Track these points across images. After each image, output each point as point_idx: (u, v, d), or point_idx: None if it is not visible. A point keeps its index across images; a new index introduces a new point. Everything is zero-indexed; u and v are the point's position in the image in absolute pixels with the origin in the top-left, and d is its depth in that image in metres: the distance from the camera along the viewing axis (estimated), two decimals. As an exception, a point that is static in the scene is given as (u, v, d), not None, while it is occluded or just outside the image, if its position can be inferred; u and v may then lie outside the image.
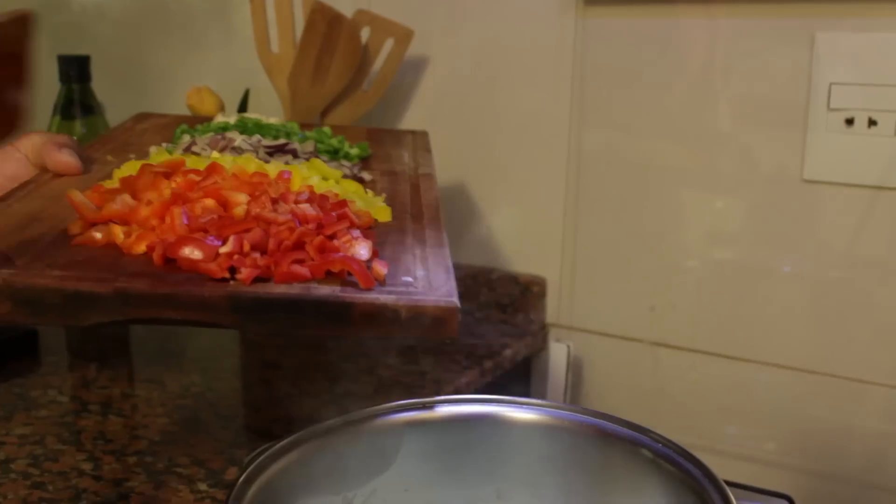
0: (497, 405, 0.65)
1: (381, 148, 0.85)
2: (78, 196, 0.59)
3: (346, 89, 1.07)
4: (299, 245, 0.54)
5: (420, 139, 0.92)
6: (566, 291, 1.07)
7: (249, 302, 0.50)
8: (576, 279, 1.06)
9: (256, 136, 0.75)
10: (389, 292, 0.51)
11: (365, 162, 0.80)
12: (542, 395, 1.07)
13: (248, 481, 0.55)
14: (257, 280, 0.51)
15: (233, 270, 0.52)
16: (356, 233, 0.57)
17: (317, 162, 0.70)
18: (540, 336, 1.08)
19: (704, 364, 1.01)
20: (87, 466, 0.75)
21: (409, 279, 0.54)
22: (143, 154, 0.74)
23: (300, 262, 0.53)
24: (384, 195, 0.69)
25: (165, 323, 0.50)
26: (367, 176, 0.74)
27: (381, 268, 0.53)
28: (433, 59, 1.11)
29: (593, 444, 0.62)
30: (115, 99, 1.18)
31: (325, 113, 1.08)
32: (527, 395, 1.09)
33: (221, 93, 1.12)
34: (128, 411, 0.86)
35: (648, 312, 1.02)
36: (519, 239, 1.09)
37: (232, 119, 0.82)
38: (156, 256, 0.53)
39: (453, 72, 1.10)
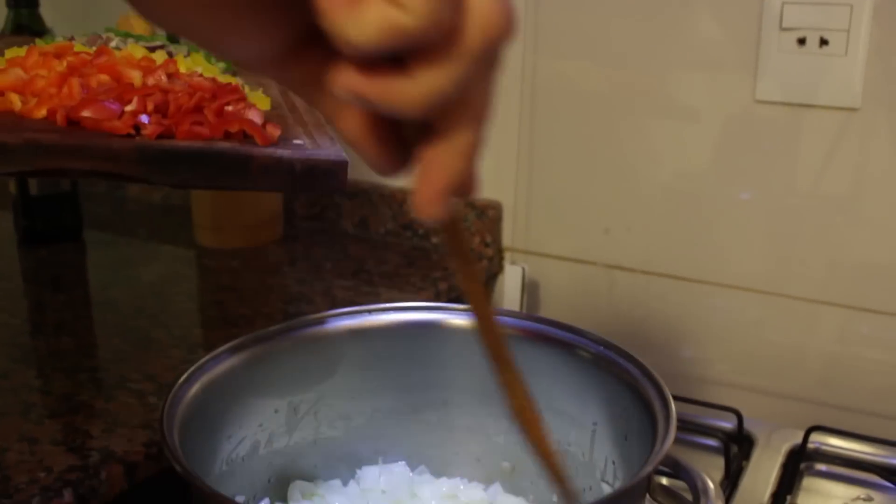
0: (438, 312, 0.65)
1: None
2: None
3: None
4: (198, 109, 0.57)
5: None
6: (521, 215, 1.07)
7: (156, 153, 0.53)
8: (531, 203, 1.06)
9: (131, 40, 0.77)
10: (284, 148, 0.56)
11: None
12: (498, 319, 1.08)
13: (189, 381, 0.55)
14: (160, 137, 0.54)
15: (136, 130, 0.54)
16: (248, 102, 0.61)
17: (197, 56, 0.72)
18: (496, 259, 1.08)
19: (659, 286, 1.02)
20: (37, 383, 0.75)
21: (300, 141, 0.58)
22: None
23: (199, 123, 0.56)
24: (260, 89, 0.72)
25: (72, 175, 0.52)
26: (239, 79, 0.76)
27: (274, 129, 0.57)
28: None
29: (535, 347, 0.63)
30: (63, 24, 1.16)
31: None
32: (483, 318, 1.10)
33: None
34: (81, 332, 0.86)
35: (603, 235, 1.03)
36: (475, 164, 1.09)
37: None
38: (59, 118, 0.54)
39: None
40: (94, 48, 0.73)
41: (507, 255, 1.09)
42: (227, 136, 0.57)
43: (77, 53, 0.65)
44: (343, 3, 0.28)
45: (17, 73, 0.60)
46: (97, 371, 0.78)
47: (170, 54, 0.75)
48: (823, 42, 0.89)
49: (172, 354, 0.80)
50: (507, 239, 1.08)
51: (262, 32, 0.32)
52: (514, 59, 1.03)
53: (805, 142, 0.91)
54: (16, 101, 0.57)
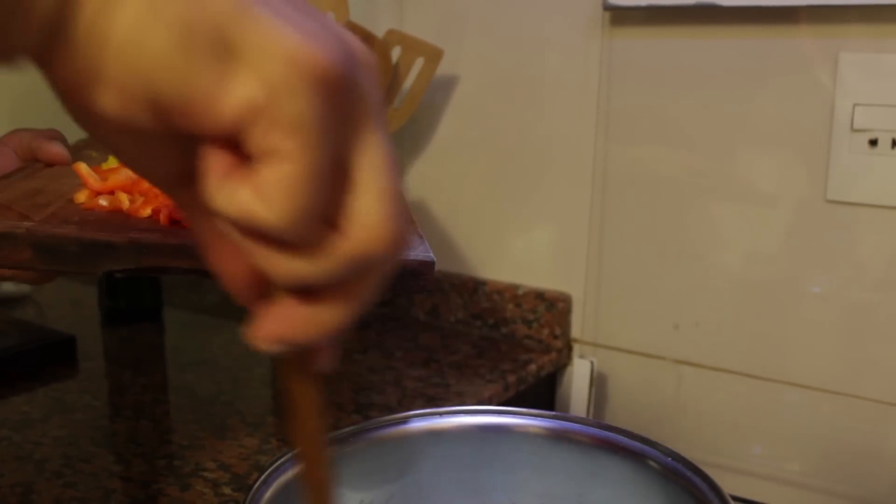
0: (510, 416, 0.66)
1: None
2: (84, 168, 0.64)
3: (378, 107, 1.09)
4: None
5: None
6: (591, 308, 1.08)
7: None
8: (601, 296, 1.07)
9: None
10: None
11: None
12: (565, 411, 1.08)
13: (267, 483, 0.57)
14: None
15: None
16: None
17: None
18: (564, 352, 1.09)
19: (728, 383, 1.01)
20: (117, 468, 0.78)
21: None
22: None
23: None
24: None
25: (173, 272, 0.55)
26: None
27: None
28: (462, 78, 1.13)
29: (604, 455, 0.63)
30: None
31: (356, 130, 1.10)
32: (551, 410, 1.10)
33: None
34: (159, 416, 0.89)
35: (672, 330, 1.03)
36: (545, 255, 1.11)
37: None
38: (162, 217, 0.58)
39: (481, 90, 1.13)
40: None
41: (576, 348, 1.09)
42: None
43: None
44: (220, 175, 0.29)
45: (127, 172, 0.64)
46: (174, 458, 0.80)
47: None
48: (895, 143, 0.89)
49: (246, 444, 0.82)
50: (575, 331, 1.09)
51: (163, 163, 0.33)
52: (585, 152, 1.05)
53: (876, 241, 0.91)
54: (124, 201, 0.61)
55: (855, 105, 0.90)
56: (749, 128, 0.96)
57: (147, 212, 0.60)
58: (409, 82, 1.11)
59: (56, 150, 0.73)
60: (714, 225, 0.99)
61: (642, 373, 1.06)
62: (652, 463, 0.61)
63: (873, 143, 0.90)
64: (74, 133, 0.87)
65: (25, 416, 0.88)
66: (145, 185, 0.62)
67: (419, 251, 0.60)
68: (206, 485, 0.75)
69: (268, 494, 0.56)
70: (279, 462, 0.59)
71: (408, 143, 1.19)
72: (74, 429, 0.85)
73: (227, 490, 0.74)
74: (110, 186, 0.63)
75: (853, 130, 0.91)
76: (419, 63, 1.10)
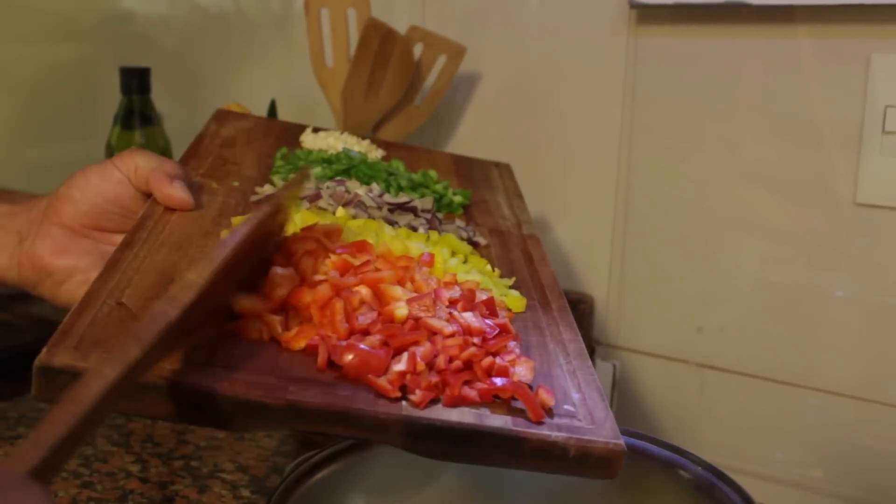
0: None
1: (476, 191, 0.85)
2: (247, 303, 0.53)
3: (399, 104, 1.08)
4: (468, 365, 0.53)
5: (508, 178, 0.93)
6: (613, 310, 1.06)
7: (423, 429, 0.48)
8: (623, 298, 1.06)
9: (376, 189, 0.74)
10: (557, 426, 0.50)
11: (467, 210, 0.80)
12: (586, 414, 1.07)
13: (288, 490, 0.56)
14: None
15: (402, 390, 0.50)
16: (515, 347, 0.56)
17: (449, 238, 0.70)
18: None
19: (752, 387, 1.00)
20: (134, 468, 0.77)
21: (570, 408, 0.52)
22: (243, 179, 0.72)
23: (469, 382, 0.51)
24: (514, 278, 0.68)
25: (330, 437, 0.49)
26: (481, 240, 0.74)
27: (547, 396, 0.52)
28: (485, 76, 1.12)
29: (633, 463, 0.62)
30: (173, 110, 1.21)
31: (377, 127, 1.09)
32: (571, 412, 1.09)
33: (280, 105, 1.14)
34: (176, 416, 0.88)
35: (696, 333, 1.02)
36: (568, 256, 1.09)
37: (333, 143, 0.84)
38: (320, 359, 0.50)
39: (504, 88, 1.11)
40: (338, 207, 0.70)
41: (598, 350, 1.08)
42: (496, 397, 0.52)
43: (339, 259, 0.58)
44: None
45: (291, 276, 0.56)
46: (191, 459, 0.79)
47: (414, 211, 0.73)
48: (928, 146, 0.88)
49: (265, 445, 0.81)
50: (597, 333, 1.08)
51: None
52: (610, 152, 1.03)
53: (905, 244, 0.89)
54: (276, 328, 0.53)
55: (886, 107, 0.88)
56: (777, 129, 0.94)
57: (301, 344, 0.52)
58: (430, 80, 1.09)
59: (177, 194, 0.63)
60: (739, 227, 0.98)
61: (665, 376, 1.04)
62: (682, 472, 0.60)
63: (905, 145, 0.88)
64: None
65: (42, 414, 0.87)
66: (304, 299, 0.54)
67: (606, 431, 0.51)
68: (225, 486, 0.74)
69: (289, 500, 0.55)
70: (300, 468, 0.58)
71: (428, 140, 1.17)
72: (91, 428, 0.84)
73: (245, 492, 0.73)
74: (270, 309, 0.54)
75: (885, 133, 0.89)
76: (441, 60, 1.08)
